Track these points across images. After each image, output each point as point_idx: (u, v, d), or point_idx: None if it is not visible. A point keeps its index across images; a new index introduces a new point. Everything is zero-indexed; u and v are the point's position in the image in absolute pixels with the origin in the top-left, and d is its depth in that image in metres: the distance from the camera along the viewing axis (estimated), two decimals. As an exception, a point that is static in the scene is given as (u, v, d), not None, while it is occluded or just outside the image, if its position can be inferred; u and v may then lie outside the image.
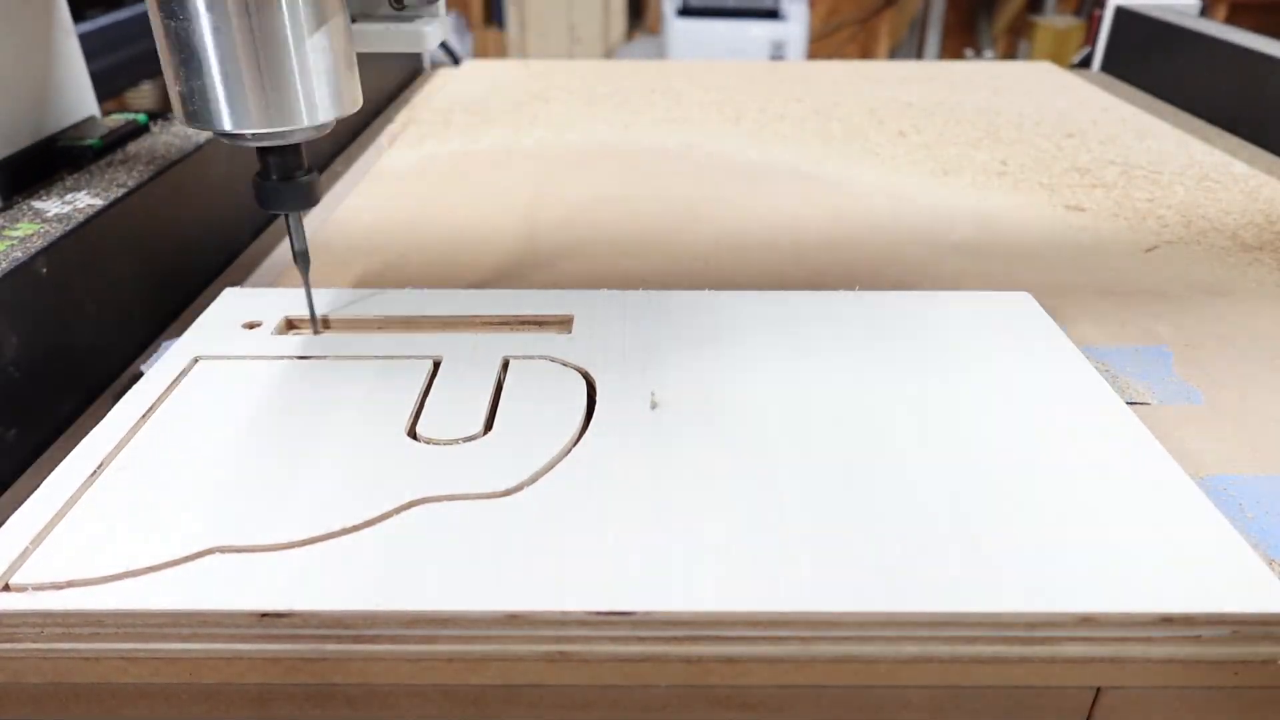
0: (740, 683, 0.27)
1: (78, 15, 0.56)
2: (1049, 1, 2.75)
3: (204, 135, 0.55)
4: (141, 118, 0.56)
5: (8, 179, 0.47)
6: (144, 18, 1.55)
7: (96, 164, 0.50)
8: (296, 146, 0.37)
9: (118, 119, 0.55)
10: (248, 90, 0.33)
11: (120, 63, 1.47)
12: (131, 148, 0.53)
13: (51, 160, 0.50)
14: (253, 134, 0.34)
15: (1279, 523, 0.34)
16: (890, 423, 0.35)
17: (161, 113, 0.60)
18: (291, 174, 0.37)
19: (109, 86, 1.48)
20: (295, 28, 0.33)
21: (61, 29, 0.53)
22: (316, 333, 0.42)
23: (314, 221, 0.63)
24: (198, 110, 0.33)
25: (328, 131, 0.36)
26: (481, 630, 0.27)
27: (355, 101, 0.36)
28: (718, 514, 0.30)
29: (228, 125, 0.33)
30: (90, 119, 0.56)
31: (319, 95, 0.34)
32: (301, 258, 0.41)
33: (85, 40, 0.56)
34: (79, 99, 0.55)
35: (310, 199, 0.38)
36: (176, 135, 0.55)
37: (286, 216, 0.40)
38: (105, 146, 0.52)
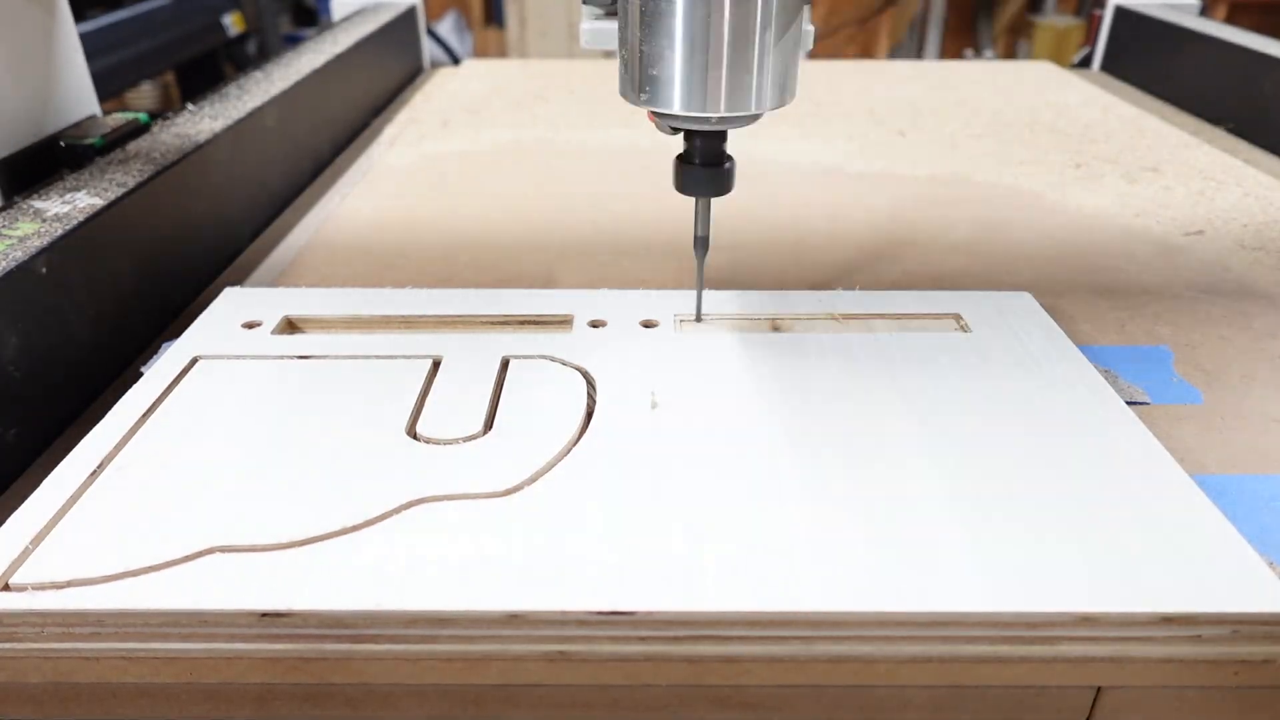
0: (740, 683, 0.27)
1: (78, 15, 0.56)
2: (1049, 1, 2.75)
3: (204, 135, 0.55)
4: (143, 117, 0.56)
5: (9, 177, 0.47)
6: (144, 18, 1.56)
7: (96, 163, 0.49)
8: (723, 134, 0.38)
9: (119, 118, 0.56)
10: (719, 75, 0.34)
11: (120, 62, 1.47)
12: (131, 147, 0.53)
13: (53, 159, 0.50)
14: (717, 118, 0.35)
15: (1279, 523, 0.34)
16: (890, 422, 0.35)
17: (160, 113, 0.60)
18: (717, 160, 0.39)
19: (109, 86, 1.49)
20: (765, 21, 0.34)
21: (63, 29, 0.54)
22: (699, 319, 0.43)
23: (314, 221, 0.63)
24: (656, 93, 0.35)
25: (753, 121, 0.37)
26: (481, 630, 0.27)
27: (793, 94, 0.36)
28: (718, 514, 0.30)
29: (692, 109, 0.35)
30: (91, 118, 0.56)
31: (770, 85, 0.35)
32: (701, 243, 0.41)
33: (85, 40, 0.56)
34: (80, 98, 0.55)
35: (725, 187, 0.39)
36: (177, 135, 0.55)
37: (697, 201, 0.41)
38: (107, 145, 0.52)
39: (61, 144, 0.51)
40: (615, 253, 0.57)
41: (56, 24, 0.53)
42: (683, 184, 0.40)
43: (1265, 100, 0.79)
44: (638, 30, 0.34)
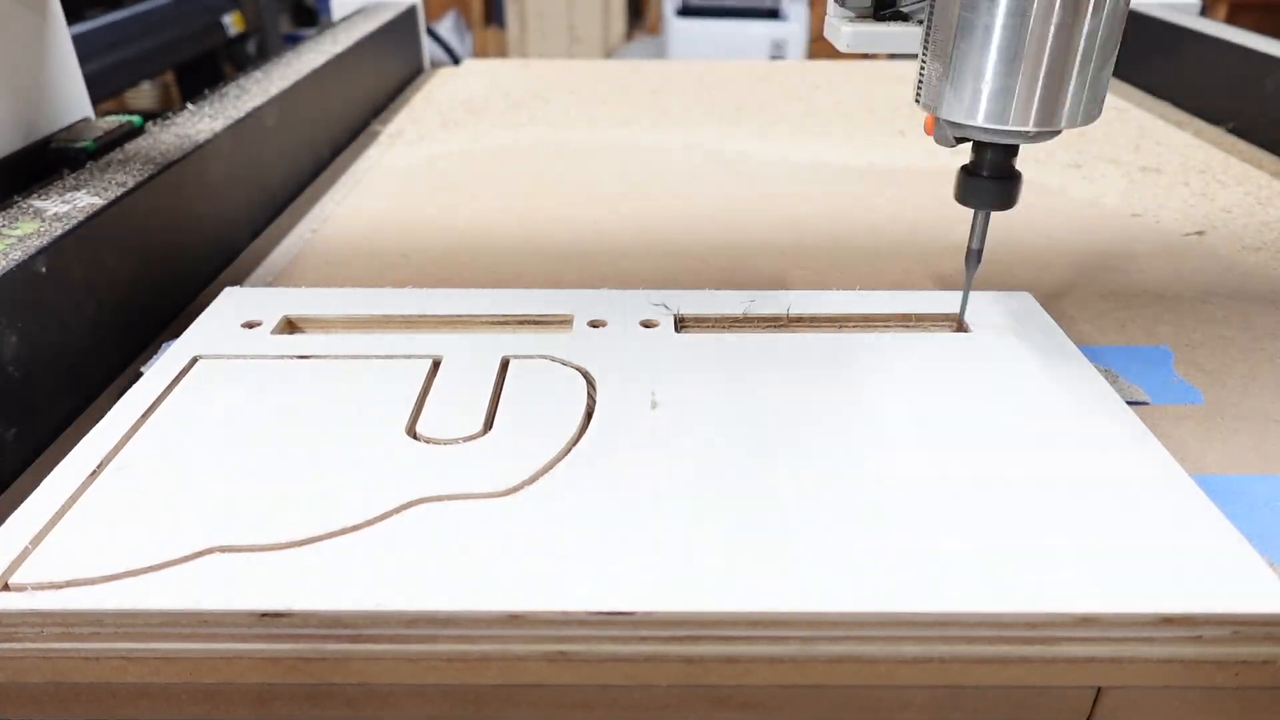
0: (740, 683, 0.27)
1: (78, 15, 0.56)
2: (1049, 1, 2.74)
3: (203, 135, 0.55)
4: (136, 119, 0.56)
5: (2, 180, 0.47)
6: (144, 18, 1.56)
7: (96, 163, 0.49)
8: (1015, 147, 0.38)
9: (112, 121, 0.55)
10: (1032, 91, 0.34)
11: (120, 62, 1.47)
12: (130, 147, 0.52)
13: (45, 162, 0.50)
14: (1023, 131, 0.35)
15: (1279, 523, 0.34)
16: (890, 422, 0.35)
17: (160, 113, 0.59)
18: (1005, 173, 0.38)
19: (109, 86, 1.49)
20: (1090, 37, 0.33)
21: (55, 31, 0.53)
22: (961, 323, 0.43)
23: (314, 221, 0.63)
24: (958, 101, 0.35)
25: (1053, 138, 0.36)
26: (482, 630, 0.27)
27: (1099, 113, 0.36)
28: (718, 514, 0.30)
29: (996, 121, 0.35)
30: (84, 121, 0.55)
31: (1082, 102, 0.35)
32: (975, 256, 0.41)
33: (85, 40, 0.56)
34: (72, 101, 0.55)
35: (1009, 200, 0.39)
36: (177, 135, 0.55)
37: (975, 213, 0.40)
38: (99, 149, 0.51)
39: (53, 147, 0.51)
40: (615, 253, 0.57)
41: (48, 26, 0.53)
42: (967, 195, 0.39)
43: (1265, 100, 0.79)
44: (951, 38, 0.34)
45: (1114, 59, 0.35)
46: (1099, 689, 0.28)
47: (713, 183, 0.70)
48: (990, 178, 0.39)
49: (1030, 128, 0.35)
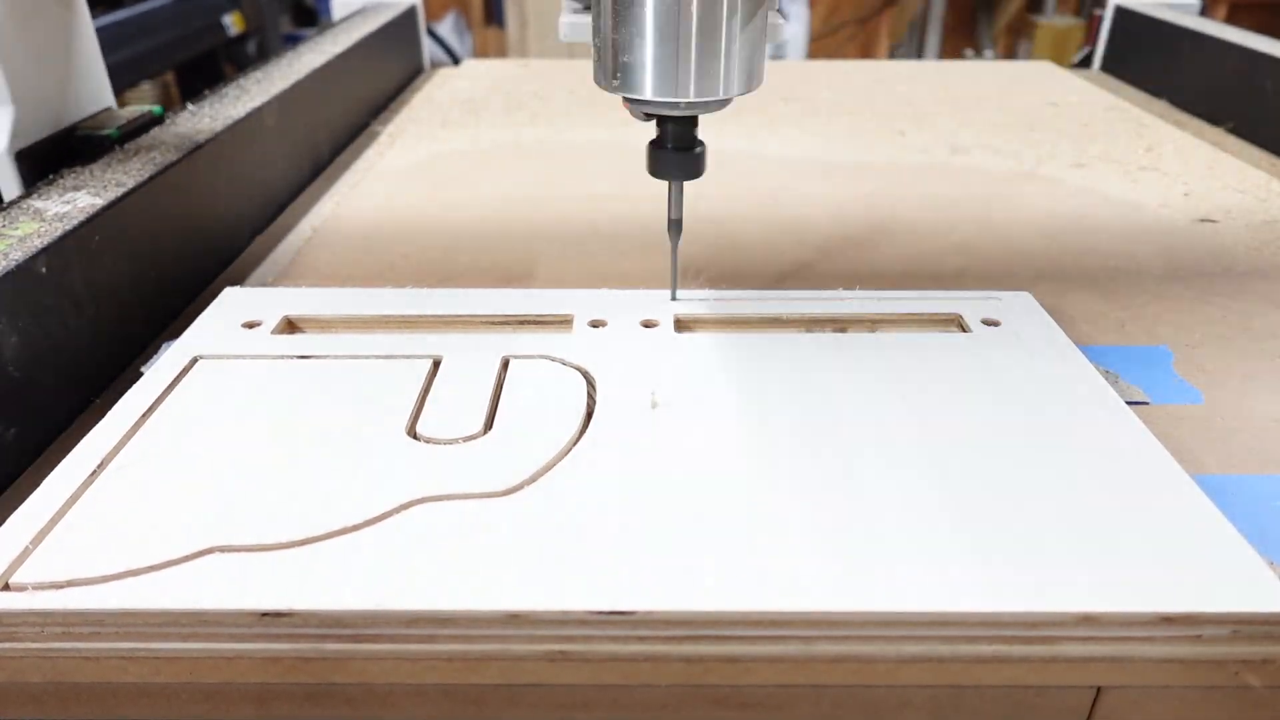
0: (740, 682, 0.27)
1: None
2: (1049, 1, 2.75)
3: (203, 135, 0.55)
4: (157, 109, 0.58)
5: (29, 167, 0.48)
6: (144, 18, 1.56)
7: (96, 163, 0.49)
8: (694, 119, 0.39)
9: (134, 110, 0.57)
10: (688, 61, 0.35)
11: (120, 62, 1.47)
12: (130, 147, 0.53)
13: (70, 149, 0.51)
14: (686, 103, 0.36)
15: (1279, 523, 0.34)
16: (890, 422, 0.35)
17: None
18: (689, 145, 0.40)
19: (110, 86, 1.48)
20: (732, 9, 0.35)
21: (81, 24, 0.54)
22: (674, 299, 0.44)
23: (314, 221, 0.63)
24: (628, 79, 0.36)
25: (724, 107, 0.38)
26: (482, 630, 0.27)
27: (760, 81, 0.37)
28: (718, 514, 0.30)
29: (662, 94, 0.36)
30: (107, 110, 0.57)
31: (737, 71, 0.36)
32: (675, 226, 0.43)
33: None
34: (96, 91, 0.56)
35: (697, 170, 0.40)
36: (177, 135, 0.55)
37: (670, 185, 0.42)
38: (122, 136, 0.53)
39: (79, 134, 0.52)
40: (615, 253, 0.57)
41: (75, 19, 0.54)
42: (655, 168, 0.41)
43: (1265, 100, 0.79)
44: (610, 19, 0.35)
45: (764, 25, 0.36)
46: (1099, 689, 0.28)
47: (712, 182, 0.70)
48: (675, 149, 0.40)
49: (694, 98, 0.36)
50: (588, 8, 0.39)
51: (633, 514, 0.30)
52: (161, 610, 0.26)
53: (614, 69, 0.36)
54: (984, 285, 0.53)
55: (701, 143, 0.40)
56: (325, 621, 0.26)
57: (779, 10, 0.39)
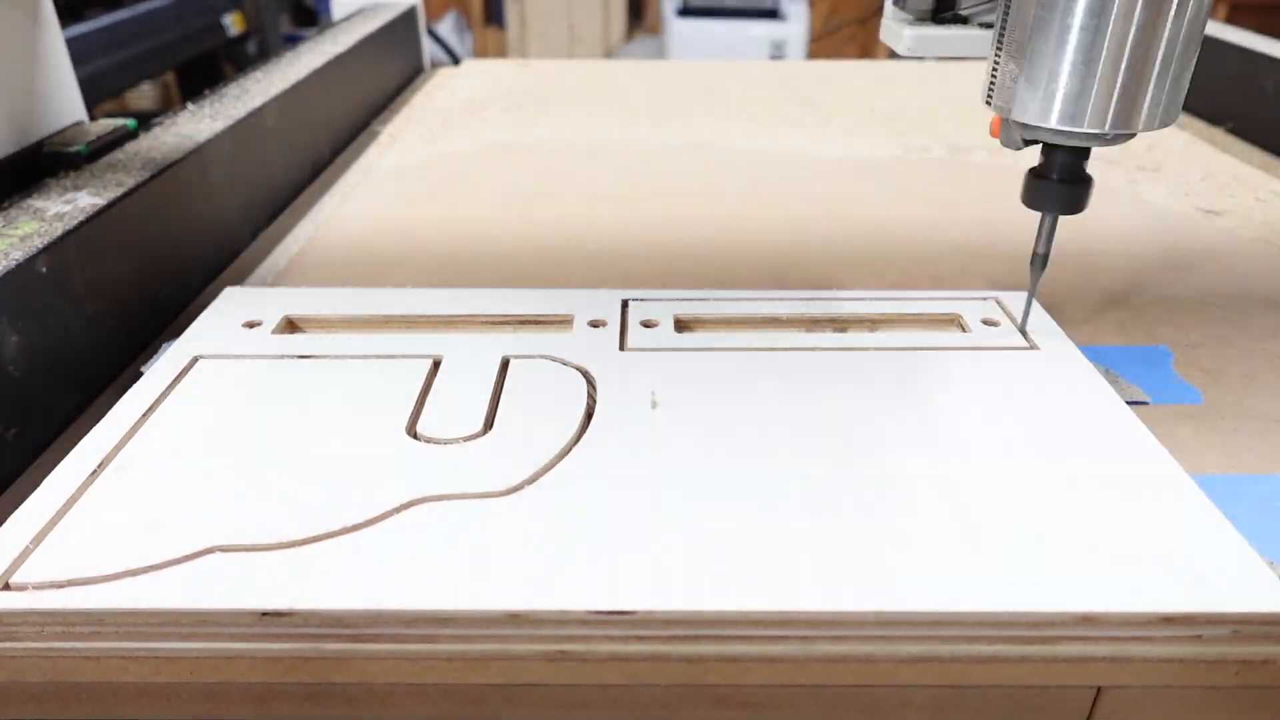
0: (740, 682, 0.27)
1: (78, 15, 0.56)
2: (1049, 1, 2.74)
3: (204, 136, 0.55)
4: (131, 123, 0.55)
5: None
6: (144, 18, 1.56)
7: (96, 164, 0.49)
8: (1087, 150, 0.37)
9: (106, 124, 0.55)
10: (1110, 92, 0.33)
11: (120, 62, 1.47)
12: (131, 147, 0.52)
13: (38, 166, 0.49)
14: (1098, 134, 0.34)
15: (1279, 523, 0.34)
16: (890, 422, 0.35)
17: (160, 113, 0.59)
18: (1075, 176, 0.38)
19: (110, 86, 1.49)
20: (1171, 39, 0.33)
21: (48, 34, 0.53)
22: (1023, 333, 0.41)
23: (314, 221, 0.63)
24: (1029, 103, 0.34)
25: (1127, 140, 0.36)
26: (481, 630, 0.27)
27: (1177, 115, 0.35)
28: (718, 514, 0.30)
29: (1073, 124, 0.34)
30: (78, 125, 0.55)
31: (1162, 105, 0.34)
32: (1040, 261, 0.40)
33: (86, 40, 0.56)
34: (66, 104, 0.54)
35: (1078, 205, 0.38)
36: (177, 135, 0.55)
37: (1043, 217, 0.39)
38: (92, 153, 0.50)
39: (46, 150, 0.50)
40: (615, 253, 0.57)
41: (40, 29, 0.52)
42: (1033, 198, 0.39)
43: (1265, 100, 0.79)
44: (1027, 38, 0.33)
45: (1195, 60, 0.34)
46: (1099, 689, 0.28)
47: (712, 182, 0.70)
48: (1060, 181, 0.38)
49: (1106, 130, 0.34)
50: (936, 18, 0.37)
51: (633, 514, 0.30)
52: (161, 610, 0.26)
53: (1014, 90, 0.34)
54: (984, 285, 0.53)
55: (1090, 176, 0.38)
56: (325, 621, 0.26)
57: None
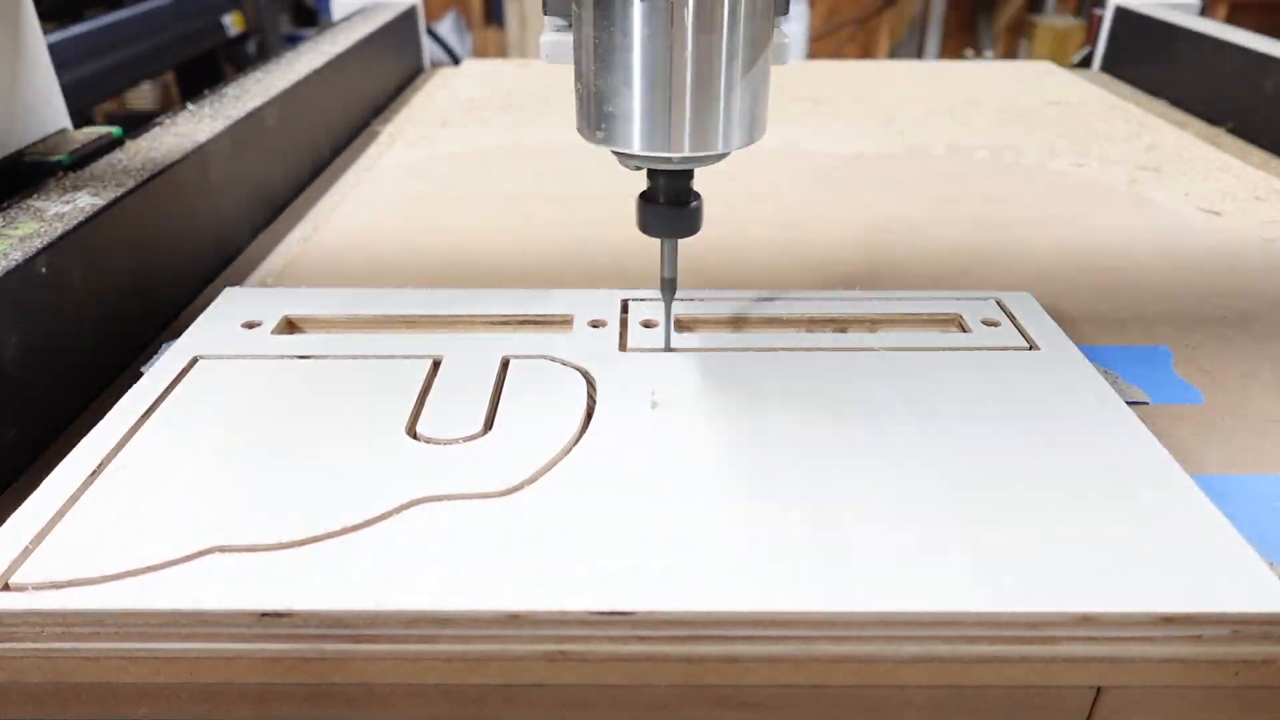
0: (740, 682, 0.27)
1: (77, 15, 0.55)
2: (1049, 1, 2.75)
3: (204, 136, 0.55)
4: (116, 131, 0.54)
5: None
6: (144, 18, 1.56)
7: (97, 164, 0.49)
8: (690, 172, 0.36)
9: (90, 132, 0.53)
10: (682, 115, 0.32)
11: (120, 62, 1.47)
12: (131, 147, 0.52)
13: (18, 177, 0.48)
14: (679, 158, 0.33)
15: (1279, 523, 0.34)
16: (890, 422, 0.35)
17: (160, 113, 0.59)
18: (684, 200, 0.36)
19: (110, 86, 1.49)
20: (731, 54, 0.31)
21: (30, 40, 0.52)
22: (668, 349, 0.40)
23: (314, 221, 0.63)
24: (614, 130, 0.33)
25: (722, 160, 0.34)
26: (481, 630, 0.27)
27: (763, 131, 0.34)
28: (718, 514, 0.30)
29: (649, 149, 0.33)
30: (61, 133, 0.54)
31: (737, 123, 0.33)
32: (669, 285, 0.39)
33: (85, 40, 0.55)
34: (48, 112, 0.53)
35: (692, 227, 0.37)
36: (176, 135, 0.55)
37: (662, 242, 0.38)
38: (75, 162, 0.49)
39: (27, 160, 0.49)
40: (615, 253, 0.57)
41: (21, 35, 0.51)
42: (646, 224, 0.37)
43: (1265, 100, 0.79)
44: (593, 64, 0.32)
45: (768, 72, 0.33)
46: (1099, 689, 0.28)
47: (712, 182, 0.70)
48: (668, 204, 0.36)
49: (689, 153, 0.33)
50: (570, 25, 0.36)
51: (633, 514, 0.30)
52: (161, 610, 0.26)
53: (598, 119, 0.33)
54: (984, 285, 0.53)
55: (698, 196, 0.37)
56: (325, 621, 0.26)
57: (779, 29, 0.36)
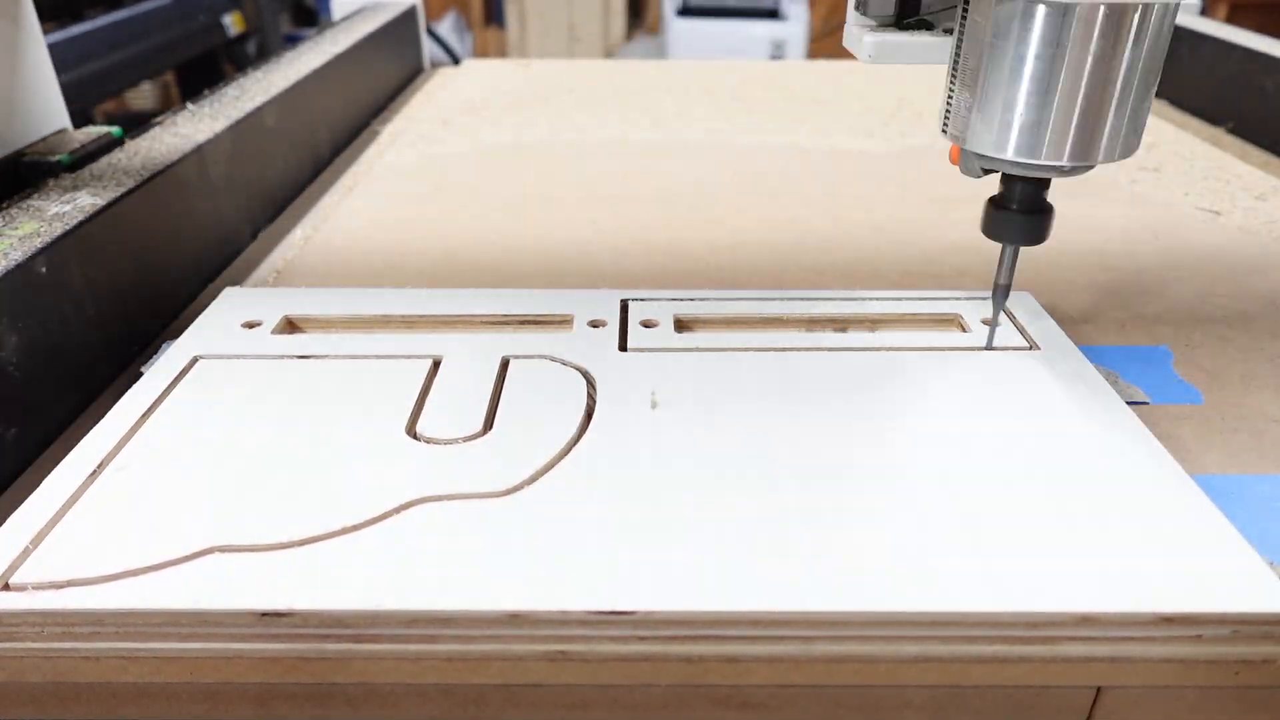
0: (740, 682, 0.27)
1: (78, 15, 0.55)
2: (1049, 1, 2.74)
3: (203, 135, 0.55)
4: (116, 130, 0.54)
5: None
6: (144, 18, 1.56)
7: (96, 164, 0.49)
8: (1047, 181, 0.36)
9: (90, 132, 0.53)
10: (1067, 125, 0.32)
11: (120, 62, 1.47)
12: (130, 147, 0.52)
13: (17, 177, 0.48)
14: (1056, 166, 0.33)
15: (1279, 523, 0.34)
16: (890, 422, 0.35)
17: (160, 113, 0.59)
18: (1037, 207, 0.37)
19: (110, 86, 1.49)
20: (1129, 71, 0.32)
21: (29, 40, 0.52)
22: (990, 348, 0.40)
23: (314, 221, 0.63)
24: (988, 135, 0.33)
25: (1086, 172, 0.35)
26: (481, 630, 0.27)
27: (1138, 145, 0.34)
28: (718, 514, 0.30)
29: (1031, 155, 0.33)
30: (60, 133, 0.54)
31: (1121, 137, 0.33)
32: (1002, 292, 0.40)
33: (86, 41, 0.55)
34: (48, 112, 0.53)
35: (1039, 236, 0.37)
36: (176, 135, 0.55)
37: (1004, 248, 0.39)
38: (75, 162, 0.49)
39: (26, 160, 0.49)
40: (615, 253, 0.57)
41: (21, 35, 0.51)
42: (993, 228, 0.38)
43: (1265, 100, 0.79)
44: (981, 67, 0.33)
45: (1154, 89, 0.33)
46: (1099, 689, 0.28)
47: (712, 182, 0.70)
48: (1020, 212, 0.37)
49: (1065, 162, 0.33)
50: (897, 24, 0.36)
51: (633, 514, 0.30)
52: (161, 610, 0.26)
53: (972, 122, 0.34)
54: (984, 285, 0.53)
55: (1050, 206, 0.37)
56: (325, 621, 0.26)
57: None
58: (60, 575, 0.27)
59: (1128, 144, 0.34)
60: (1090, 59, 0.31)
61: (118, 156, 0.51)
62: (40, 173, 0.48)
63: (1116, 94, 0.32)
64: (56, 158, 0.49)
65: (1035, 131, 0.33)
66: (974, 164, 0.35)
